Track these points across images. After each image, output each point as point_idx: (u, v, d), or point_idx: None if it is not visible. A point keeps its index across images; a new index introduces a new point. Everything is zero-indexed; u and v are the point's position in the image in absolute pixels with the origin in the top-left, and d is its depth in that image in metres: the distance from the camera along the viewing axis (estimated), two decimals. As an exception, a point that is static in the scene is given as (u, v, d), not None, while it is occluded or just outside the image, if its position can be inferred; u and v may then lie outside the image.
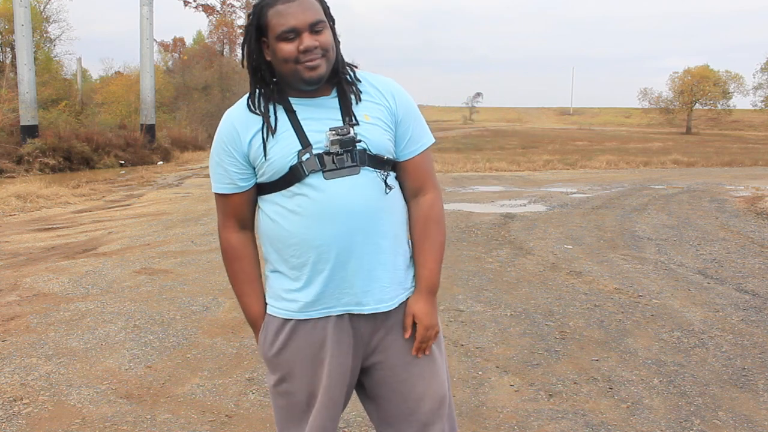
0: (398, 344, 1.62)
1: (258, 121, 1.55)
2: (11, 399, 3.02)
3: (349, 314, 1.57)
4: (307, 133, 1.52)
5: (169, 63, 43.47)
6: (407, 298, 1.64)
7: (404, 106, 1.62)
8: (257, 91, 1.58)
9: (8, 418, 2.83)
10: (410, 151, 1.62)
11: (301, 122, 1.53)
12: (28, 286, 5.04)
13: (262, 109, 1.55)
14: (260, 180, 1.57)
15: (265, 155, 1.52)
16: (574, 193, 12.03)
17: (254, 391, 3.14)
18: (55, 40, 31.25)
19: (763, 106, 57.48)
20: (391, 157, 1.59)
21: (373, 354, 1.62)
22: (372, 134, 1.55)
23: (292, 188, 1.52)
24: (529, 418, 2.88)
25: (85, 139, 18.86)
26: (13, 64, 23.58)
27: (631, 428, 2.80)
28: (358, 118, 1.55)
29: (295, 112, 1.54)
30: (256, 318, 1.66)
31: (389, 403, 1.64)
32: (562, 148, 28.34)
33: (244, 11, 47.56)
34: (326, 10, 1.55)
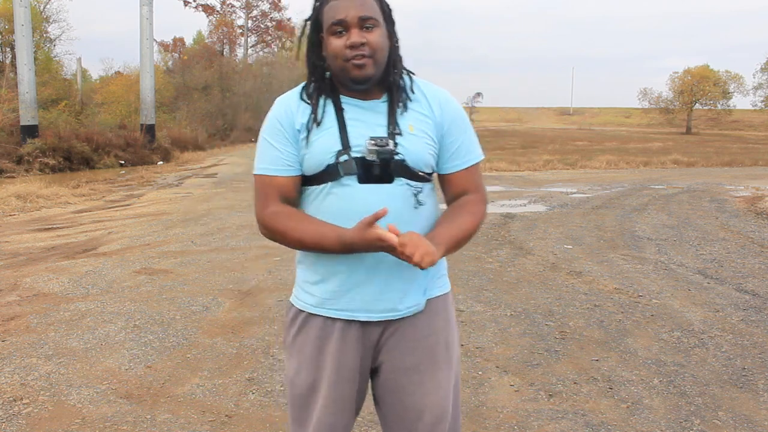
0: (402, 346, 1.59)
1: (308, 110, 1.54)
2: (11, 399, 3.02)
3: (358, 320, 1.56)
4: (349, 135, 1.51)
5: (169, 63, 43.45)
6: (423, 306, 1.59)
7: (451, 119, 1.59)
8: (312, 83, 1.56)
9: (8, 418, 2.83)
10: (454, 165, 1.60)
11: (347, 122, 1.52)
12: (28, 286, 5.04)
13: (314, 101, 1.54)
14: (303, 171, 1.56)
15: (307, 145, 1.52)
16: (574, 193, 12.03)
17: (254, 391, 3.14)
18: (55, 40, 31.27)
19: (763, 106, 57.49)
20: (429, 171, 1.57)
21: (380, 354, 1.61)
22: (413, 146, 1.53)
23: (326, 186, 1.52)
24: (529, 418, 2.88)
25: (85, 139, 18.85)
26: (13, 64, 23.58)
27: (631, 428, 2.80)
28: (402, 128, 1.53)
29: (343, 110, 1.53)
30: (346, 237, 1.46)
31: (390, 409, 1.62)
32: (562, 148, 28.34)
33: (244, 11, 47.62)
34: (386, 11, 1.53)
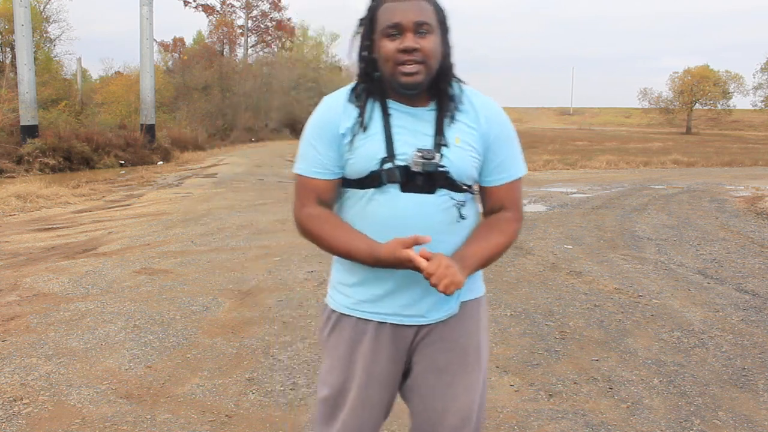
0: (435, 348, 1.59)
1: (355, 113, 1.52)
2: (11, 399, 3.02)
3: (391, 323, 1.57)
4: (395, 143, 1.49)
5: (169, 63, 43.43)
6: (457, 310, 1.60)
7: (497, 132, 1.56)
8: (361, 85, 1.54)
9: (8, 418, 2.83)
10: (495, 178, 1.59)
11: (393, 130, 1.50)
12: (28, 286, 5.04)
13: (361, 103, 1.52)
14: (346, 174, 1.56)
15: (350, 149, 1.51)
16: (574, 193, 12.03)
17: (254, 391, 3.14)
18: (55, 40, 31.25)
19: (763, 106, 57.52)
20: (471, 183, 1.56)
21: (413, 355, 1.62)
22: (458, 159, 1.51)
23: (368, 191, 1.51)
24: (529, 418, 2.88)
25: (85, 139, 18.84)
26: (13, 64, 23.58)
27: (631, 428, 2.80)
28: (448, 139, 1.51)
29: (390, 116, 1.51)
30: (378, 253, 1.46)
31: (417, 408, 1.62)
32: (562, 148, 28.34)
33: (244, 11, 47.62)
34: (442, 18, 1.50)
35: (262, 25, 49.13)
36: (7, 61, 27.23)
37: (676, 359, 3.61)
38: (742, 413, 2.96)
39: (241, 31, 48.04)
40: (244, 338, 3.87)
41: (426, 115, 1.52)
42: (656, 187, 13.21)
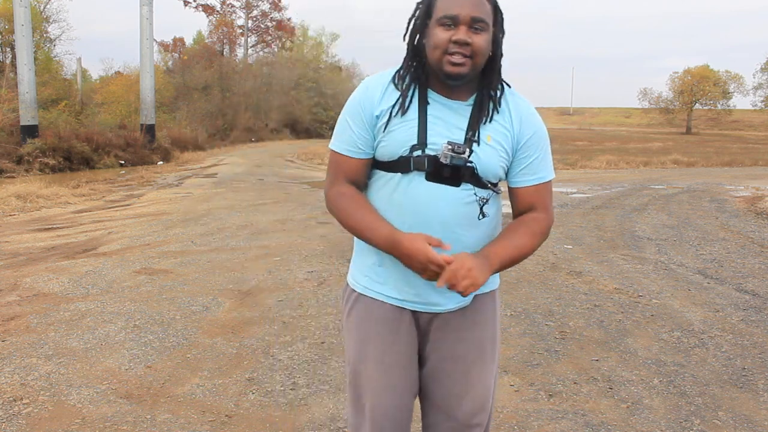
0: (452, 337, 1.64)
1: (395, 96, 1.55)
2: (11, 399, 3.02)
3: (409, 309, 1.61)
4: (428, 132, 1.52)
5: (169, 63, 43.41)
6: (469, 303, 1.64)
7: (529, 135, 1.58)
8: (407, 67, 1.56)
9: (8, 418, 2.83)
10: (523, 180, 1.61)
11: (429, 119, 1.53)
12: (28, 286, 5.03)
13: (404, 87, 1.55)
14: (376, 156, 1.58)
15: (385, 131, 1.54)
16: (574, 193, 12.03)
17: (254, 391, 3.14)
18: (55, 40, 31.22)
19: (763, 106, 57.51)
20: (495, 181, 1.58)
21: (429, 343, 1.65)
22: (486, 157, 1.53)
23: (394, 176, 1.54)
24: (529, 418, 2.88)
25: (85, 139, 18.84)
26: (13, 64, 23.57)
27: (631, 428, 2.80)
28: (481, 137, 1.53)
29: (427, 104, 1.54)
30: (397, 242, 1.48)
31: (434, 395, 1.66)
32: (562, 148, 28.33)
33: (244, 11, 47.61)
34: (498, 19, 1.53)
35: (262, 25, 49.12)
36: (7, 61, 27.22)
37: (676, 359, 3.61)
38: (742, 413, 2.96)
39: (241, 31, 48.03)
40: (244, 338, 3.87)
41: (463, 109, 1.54)
42: (656, 187, 13.21)
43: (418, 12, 1.55)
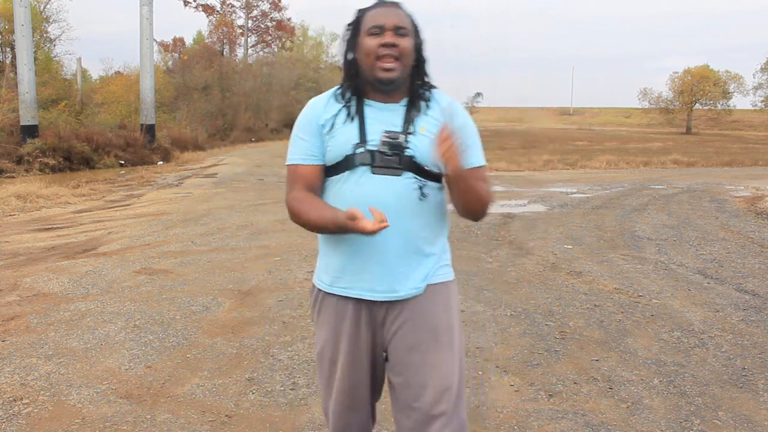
0: (404, 328, 1.75)
1: (336, 107, 1.77)
2: (11, 399, 3.02)
3: (365, 300, 1.75)
4: (367, 130, 1.72)
5: (169, 63, 43.39)
6: (423, 290, 1.76)
7: (460, 125, 1.73)
8: (346, 83, 1.78)
9: (8, 418, 2.83)
10: None
11: (367, 120, 1.73)
12: (28, 286, 5.04)
13: (345, 99, 1.77)
14: (326, 161, 1.77)
15: (330, 135, 1.74)
16: (574, 193, 12.03)
17: (254, 391, 3.14)
18: (55, 40, 31.21)
19: (763, 106, 57.46)
20: (435, 169, 1.72)
21: (387, 334, 1.78)
22: (423, 145, 1.71)
23: (343, 175, 1.73)
24: (529, 418, 2.88)
25: (85, 139, 18.83)
26: (13, 64, 23.57)
27: (631, 428, 2.80)
28: (415, 128, 1.72)
29: (365, 110, 1.75)
30: (339, 219, 1.63)
31: (399, 387, 1.77)
32: (562, 148, 28.34)
33: (244, 11, 47.61)
34: (416, 29, 1.75)
35: (262, 25, 49.10)
36: (7, 61, 27.22)
37: (676, 359, 3.61)
38: (742, 413, 2.96)
39: (241, 31, 48.02)
40: (244, 338, 3.87)
41: (398, 109, 1.75)
42: (656, 187, 13.22)
43: (348, 32, 1.76)
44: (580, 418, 2.89)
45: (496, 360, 3.55)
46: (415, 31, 1.75)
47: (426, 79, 1.78)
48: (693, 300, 4.81)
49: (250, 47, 48.60)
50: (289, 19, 49.77)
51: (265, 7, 48.17)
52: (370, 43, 1.68)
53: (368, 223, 1.57)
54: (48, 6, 30.49)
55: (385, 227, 1.55)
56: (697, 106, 59.34)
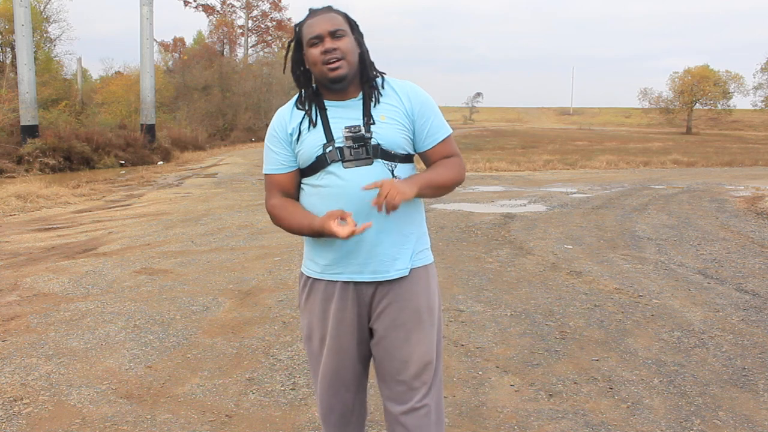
0: (390, 308, 1.88)
1: (299, 115, 1.88)
2: (11, 399, 3.02)
3: (353, 282, 1.86)
4: (332, 129, 1.83)
5: (169, 63, 43.41)
6: (408, 272, 1.88)
7: (419, 105, 1.88)
8: (301, 93, 1.90)
9: (8, 418, 2.83)
10: (429, 142, 1.90)
11: (330, 120, 1.84)
12: (28, 286, 5.04)
13: (306, 107, 1.88)
14: (300, 165, 1.88)
15: (298, 142, 1.85)
16: (574, 193, 12.03)
17: (254, 391, 3.14)
18: (55, 40, 31.24)
19: (763, 106, 57.44)
20: (403, 152, 1.85)
21: (374, 315, 1.90)
22: (386, 132, 1.82)
23: (318, 174, 1.84)
24: (529, 418, 2.88)
25: (85, 139, 18.84)
26: (13, 64, 23.58)
27: (631, 428, 2.80)
28: (375, 118, 1.83)
29: (326, 110, 1.85)
30: (314, 226, 1.79)
31: (382, 362, 1.91)
32: (562, 148, 28.34)
33: (244, 11, 47.61)
34: (352, 24, 1.86)
35: (263, 25, 49.13)
36: (7, 61, 27.22)
37: (676, 359, 3.61)
38: (742, 413, 2.96)
39: (241, 31, 48.03)
40: (244, 338, 3.87)
41: (355, 104, 1.85)
42: (656, 187, 13.22)
43: (291, 47, 1.89)
44: (580, 418, 2.89)
45: (496, 360, 3.55)
46: (352, 29, 1.85)
47: (373, 71, 1.88)
48: (693, 300, 4.81)
49: (250, 47, 48.60)
50: (289, 19, 49.75)
51: (265, 7, 48.19)
52: (313, 52, 1.80)
53: (340, 229, 1.69)
54: (48, 6, 30.51)
55: (358, 232, 1.69)
56: (697, 106, 59.33)
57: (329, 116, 1.84)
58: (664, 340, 3.93)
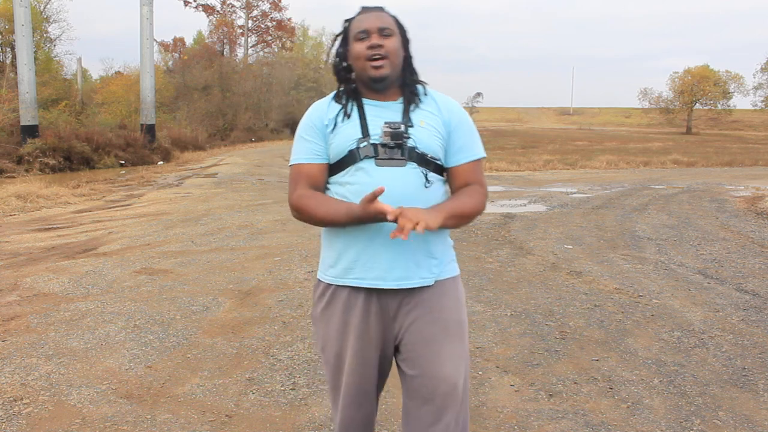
0: (419, 322, 1.80)
1: (337, 108, 1.84)
2: (11, 399, 3.02)
3: (377, 289, 1.78)
4: (369, 125, 1.78)
5: (169, 63, 43.41)
6: (434, 282, 1.81)
7: (457, 120, 1.85)
8: (339, 89, 1.87)
9: (8, 418, 2.83)
10: (459, 158, 1.85)
11: (368, 116, 1.80)
12: (28, 286, 5.04)
13: (343, 101, 1.84)
14: (330, 158, 1.82)
15: (333, 132, 1.80)
16: (574, 193, 12.03)
17: (254, 391, 3.14)
18: (55, 40, 31.24)
19: (763, 106, 57.46)
20: (437, 158, 1.81)
21: (400, 330, 1.82)
22: (423, 136, 1.79)
23: (348, 170, 1.78)
24: (529, 418, 2.88)
25: (85, 139, 18.85)
26: (14, 64, 23.58)
27: (631, 428, 2.80)
28: (414, 121, 1.80)
29: (364, 108, 1.82)
30: (354, 211, 1.69)
31: (412, 379, 1.82)
32: (562, 148, 28.34)
33: (244, 11, 47.61)
34: (401, 28, 1.85)
35: (263, 25, 49.13)
36: (7, 61, 27.23)
37: (676, 359, 3.61)
38: (742, 413, 2.96)
39: (241, 31, 48.02)
40: (244, 338, 3.87)
41: (395, 106, 1.82)
42: (656, 187, 13.22)
43: (337, 42, 1.87)
44: (581, 418, 2.89)
45: (496, 360, 3.55)
46: (400, 31, 1.83)
47: (415, 77, 1.86)
48: (693, 300, 4.81)
49: (250, 47, 48.60)
50: (289, 19, 49.84)
51: (266, 7, 48.20)
52: (358, 47, 1.78)
53: (388, 206, 1.61)
54: (48, 6, 30.52)
55: (400, 213, 1.59)
56: (697, 106, 59.36)
57: (367, 112, 1.81)
58: (664, 340, 3.93)
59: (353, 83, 1.85)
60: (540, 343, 3.84)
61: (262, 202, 10.31)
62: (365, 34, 1.77)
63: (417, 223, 1.57)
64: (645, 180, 14.88)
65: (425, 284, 1.80)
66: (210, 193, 11.80)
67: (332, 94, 1.89)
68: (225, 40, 46.81)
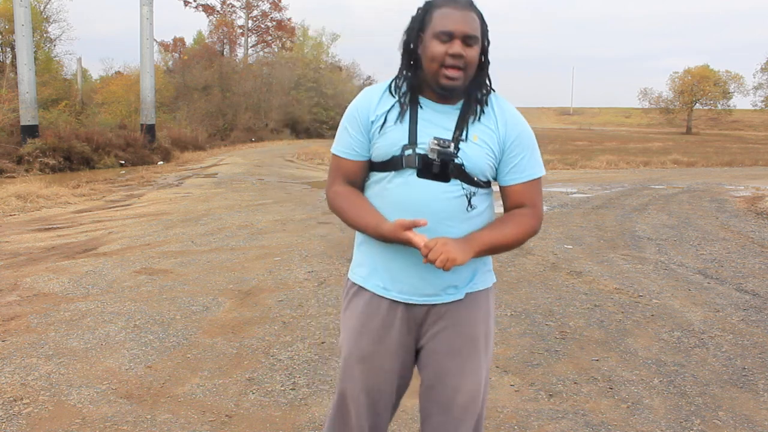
0: (446, 332, 1.74)
1: (390, 102, 1.69)
2: (11, 399, 3.02)
3: (404, 302, 1.71)
4: (418, 133, 1.64)
5: (169, 63, 43.40)
6: (463, 296, 1.74)
7: (515, 136, 1.70)
8: (402, 76, 1.69)
9: (8, 418, 2.83)
10: (512, 178, 1.72)
11: (419, 121, 1.65)
12: (28, 286, 5.04)
13: (400, 94, 1.68)
14: (372, 157, 1.72)
15: (380, 133, 1.67)
16: (574, 193, 12.03)
17: (254, 391, 3.14)
18: (55, 40, 31.22)
19: (763, 106, 57.49)
20: (484, 179, 1.69)
21: (423, 338, 1.76)
22: (473, 154, 1.65)
23: (389, 174, 1.67)
24: (529, 418, 2.88)
25: (85, 139, 18.85)
26: (13, 64, 23.57)
27: (631, 428, 2.80)
28: (468, 135, 1.65)
29: (419, 109, 1.67)
30: (383, 230, 1.62)
31: (431, 390, 1.76)
32: (562, 148, 28.34)
33: (244, 11, 47.61)
34: (484, 32, 1.66)
35: (263, 25, 49.14)
36: (7, 61, 27.22)
37: (676, 359, 3.61)
38: (742, 413, 2.96)
39: (241, 31, 48.03)
40: (244, 338, 3.87)
41: (452, 112, 1.67)
42: (656, 187, 13.22)
43: (412, 25, 1.67)
44: (580, 418, 2.89)
45: (496, 360, 3.55)
46: (483, 36, 1.65)
47: (485, 85, 1.70)
48: (693, 300, 4.81)
49: (250, 47, 48.61)
50: (289, 19, 49.87)
51: (265, 7, 48.22)
52: (437, 49, 1.59)
53: (420, 238, 1.53)
54: (48, 6, 30.51)
55: (428, 248, 1.52)
56: (697, 106, 59.40)
57: (419, 116, 1.65)
58: (664, 340, 3.93)
59: (414, 73, 1.67)
60: (540, 343, 3.84)
61: (262, 202, 10.31)
62: (448, 37, 1.58)
63: (446, 260, 1.50)
64: (645, 180, 14.88)
65: (456, 299, 1.73)
66: (210, 193, 11.80)
67: (387, 83, 1.72)
68: (225, 40, 46.82)
